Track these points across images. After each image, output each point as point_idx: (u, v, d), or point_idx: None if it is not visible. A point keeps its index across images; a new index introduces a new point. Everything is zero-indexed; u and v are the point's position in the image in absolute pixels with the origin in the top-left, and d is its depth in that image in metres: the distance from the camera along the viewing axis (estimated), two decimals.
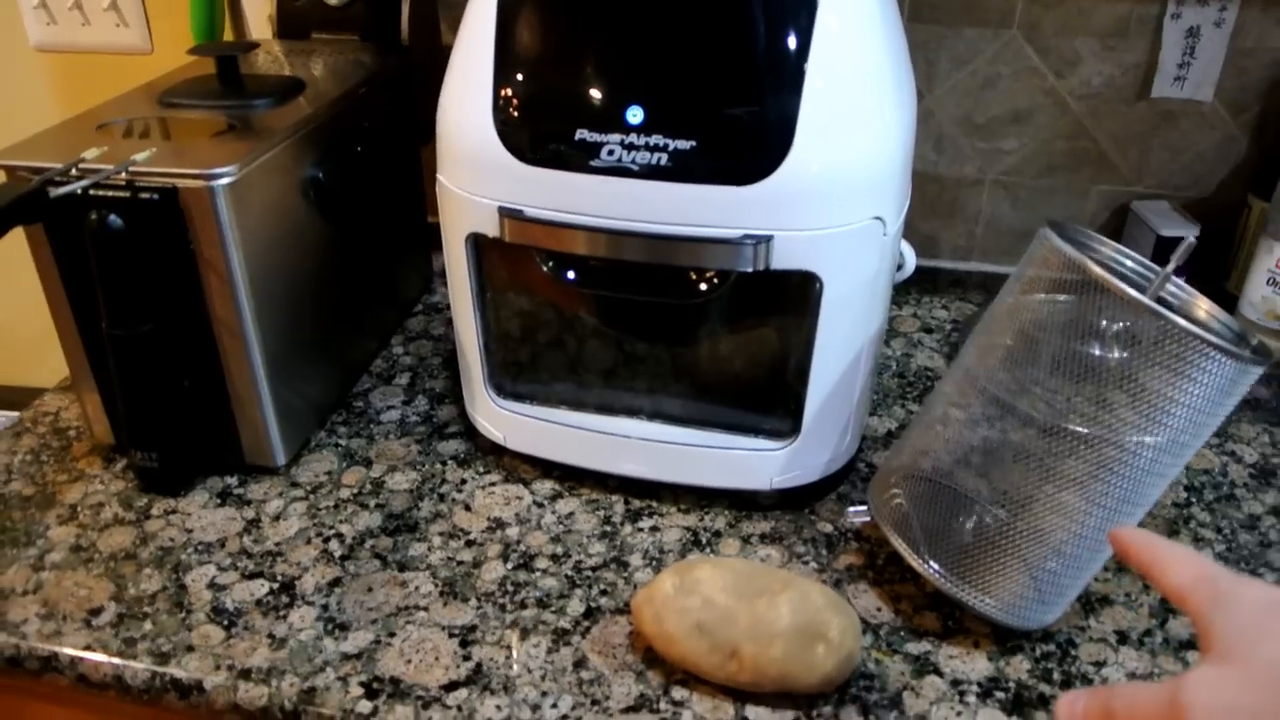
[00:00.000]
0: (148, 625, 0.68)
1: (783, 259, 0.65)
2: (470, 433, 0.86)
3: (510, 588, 0.71)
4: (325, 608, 0.69)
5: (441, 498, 0.79)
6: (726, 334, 0.77)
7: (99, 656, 0.66)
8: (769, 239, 0.64)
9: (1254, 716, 0.38)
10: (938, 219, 1.11)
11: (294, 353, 0.80)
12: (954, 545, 0.68)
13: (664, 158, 0.63)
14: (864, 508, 0.74)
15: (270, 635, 0.67)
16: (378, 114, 0.90)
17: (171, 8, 1.17)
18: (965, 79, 1.03)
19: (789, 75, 0.62)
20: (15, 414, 1.39)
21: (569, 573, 0.72)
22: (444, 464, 0.83)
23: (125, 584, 0.71)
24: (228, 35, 1.13)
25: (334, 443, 0.85)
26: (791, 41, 0.62)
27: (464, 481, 0.81)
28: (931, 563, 0.68)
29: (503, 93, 0.66)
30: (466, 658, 0.65)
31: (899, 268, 0.77)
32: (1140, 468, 0.60)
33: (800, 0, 0.62)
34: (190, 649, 0.66)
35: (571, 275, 0.69)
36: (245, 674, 0.64)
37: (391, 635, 0.67)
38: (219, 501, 0.79)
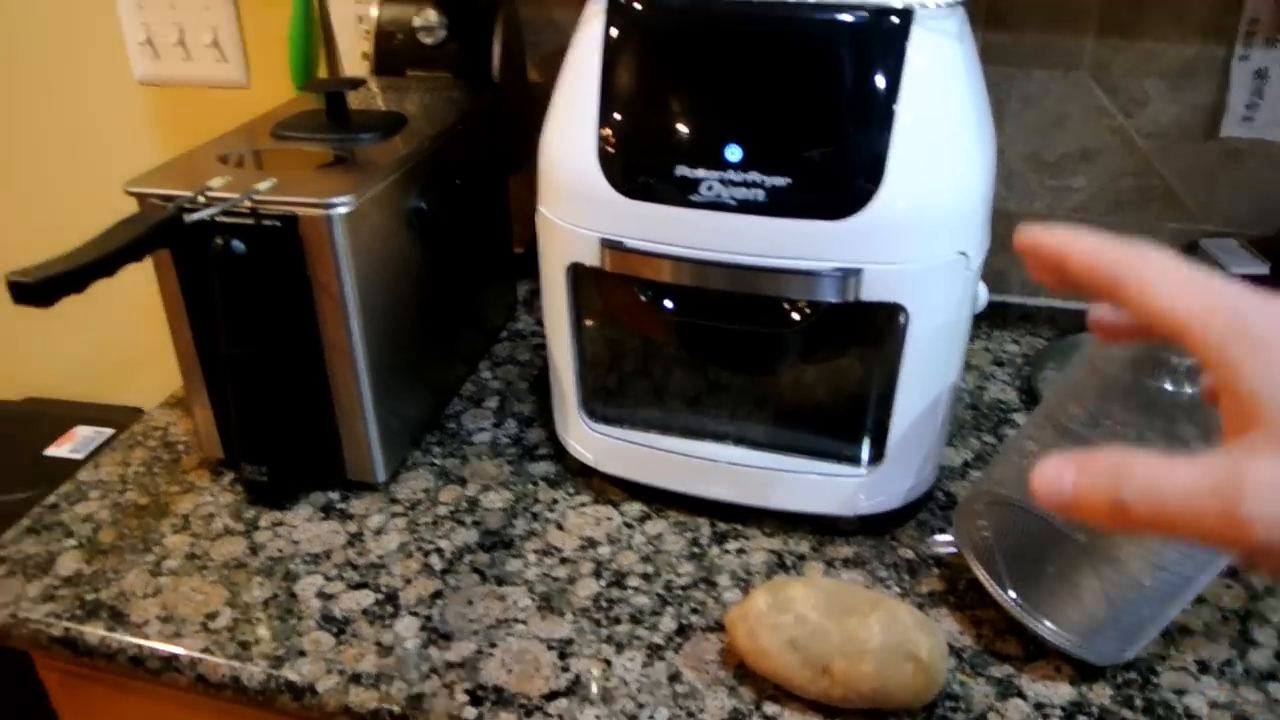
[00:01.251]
0: (261, 630, 0.72)
1: (872, 291, 0.68)
2: (560, 455, 0.89)
3: (604, 604, 0.74)
4: (428, 618, 0.73)
5: (534, 516, 0.82)
6: (812, 361, 0.80)
7: (217, 658, 0.70)
8: (859, 272, 0.67)
9: None
10: (1007, 254, 1.12)
11: (395, 374, 0.84)
12: (1035, 577, 0.70)
13: (760, 193, 0.66)
14: (948, 536, 0.76)
15: (378, 643, 0.71)
16: (472, 148, 0.95)
17: (269, 44, 1.23)
18: (1035, 117, 1.06)
19: (879, 114, 0.65)
20: (109, 430, 1.46)
21: (660, 591, 0.75)
22: (535, 484, 0.86)
23: (238, 591, 0.75)
24: (322, 71, 1.19)
25: (429, 462, 0.89)
26: (882, 82, 0.65)
27: (555, 501, 0.84)
28: (1011, 593, 0.70)
29: (606, 130, 0.70)
30: (565, 669, 0.68)
31: None
32: None
33: (890, 42, 0.66)
34: (302, 653, 0.70)
35: (669, 304, 0.73)
36: (356, 679, 0.68)
37: (493, 646, 0.70)
38: (323, 515, 0.83)
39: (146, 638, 0.71)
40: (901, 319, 0.70)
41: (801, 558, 0.79)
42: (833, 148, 0.66)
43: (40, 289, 0.57)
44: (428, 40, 1.03)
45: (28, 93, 1.37)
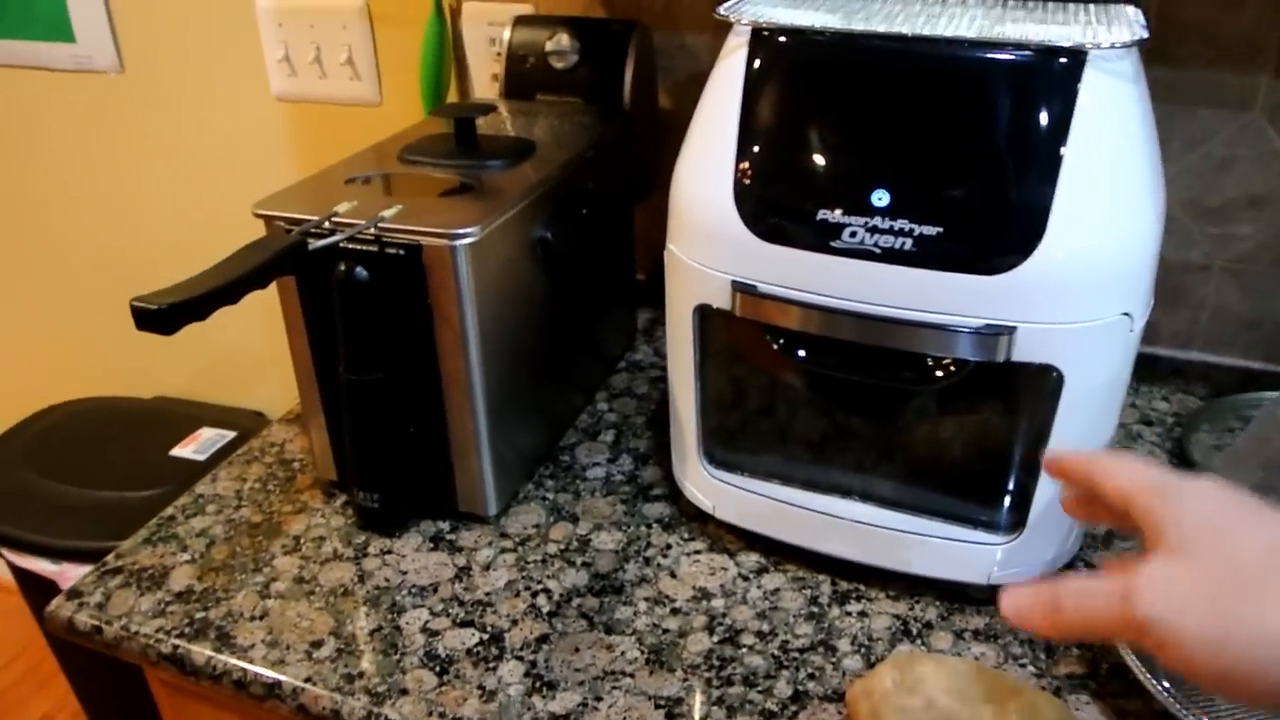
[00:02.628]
0: (364, 664, 0.70)
1: (1024, 352, 0.63)
2: (675, 496, 0.86)
3: (716, 662, 0.70)
4: (533, 664, 0.70)
5: (647, 561, 0.79)
6: (950, 418, 0.75)
7: (320, 690, 0.69)
8: (1012, 330, 0.62)
9: (1212, 613, 0.38)
10: (1158, 304, 1.06)
11: (512, 406, 0.82)
12: None
13: (908, 242, 0.62)
14: None
15: (480, 687, 0.68)
16: (600, 176, 0.92)
17: (401, 64, 1.23)
18: (1198, 160, 0.98)
19: (1045, 162, 0.61)
20: (231, 433, 1.48)
21: (775, 652, 0.71)
22: (649, 527, 0.83)
23: (344, 620, 0.74)
24: (452, 92, 1.18)
25: (541, 495, 0.87)
26: (1049, 127, 0.61)
27: (669, 547, 0.81)
28: (1164, 682, 0.64)
29: (744, 168, 0.66)
30: None
31: None
32: None
33: (1059, 84, 0.61)
34: (404, 692, 0.68)
35: (802, 353, 0.69)
36: None
37: (598, 699, 0.67)
38: (431, 545, 0.81)
39: (252, 662, 0.71)
40: (1055, 380, 0.65)
41: (928, 625, 0.74)
42: (991, 197, 0.61)
43: (163, 316, 0.57)
44: (559, 65, 1.01)
45: (169, 105, 1.41)
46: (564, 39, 1.00)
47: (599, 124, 0.96)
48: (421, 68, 1.13)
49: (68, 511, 1.35)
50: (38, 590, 1.38)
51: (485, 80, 1.18)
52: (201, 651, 0.72)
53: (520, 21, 1.04)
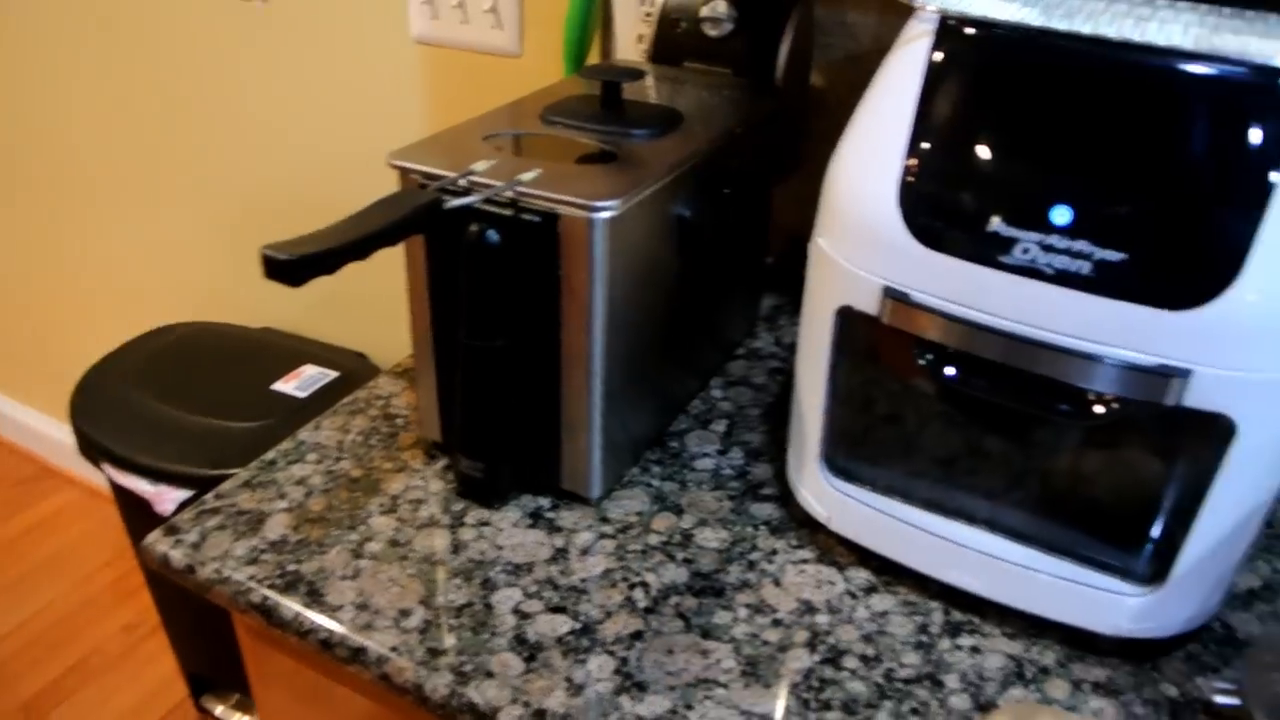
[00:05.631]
0: (452, 639, 0.68)
1: (1197, 398, 0.58)
2: (785, 498, 0.82)
3: (815, 683, 0.67)
4: (624, 661, 0.67)
5: (751, 565, 0.76)
6: (1098, 451, 0.70)
7: (404, 661, 0.67)
8: (1188, 374, 0.57)
9: None
10: None
11: (628, 387, 0.79)
12: None
13: (1086, 266, 0.57)
14: (1230, 685, 0.65)
15: (568, 679, 0.66)
16: (746, 155, 0.88)
17: (546, 16, 1.20)
18: None
19: (1251, 190, 0.55)
20: (333, 373, 1.49)
21: (879, 680, 0.67)
22: (756, 528, 0.79)
23: (435, 590, 0.72)
24: (593, 53, 1.14)
25: (646, 482, 0.84)
26: (1261, 150, 0.54)
27: (775, 552, 0.77)
28: None
29: (913, 166, 0.61)
30: None
31: None
32: None
33: (1275, 105, 0.55)
34: (489, 674, 0.66)
35: (951, 372, 0.64)
36: (540, 714, 0.63)
37: (689, 708, 0.64)
38: (530, 522, 0.79)
39: (340, 623, 0.69)
40: (1225, 430, 0.59)
41: (1044, 671, 0.69)
42: (1185, 224, 0.55)
43: (292, 267, 0.54)
44: (712, 32, 0.97)
45: (309, 38, 1.40)
46: (720, 5, 0.96)
47: (749, 99, 0.91)
48: (567, 22, 1.10)
49: (168, 434, 1.36)
50: (133, 506, 1.40)
51: (630, 41, 1.14)
52: (291, 605, 0.70)
53: None
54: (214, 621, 0.89)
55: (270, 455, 0.85)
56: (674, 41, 0.99)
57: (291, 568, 0.73)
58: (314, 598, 0.71)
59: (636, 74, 0.82)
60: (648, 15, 1.03)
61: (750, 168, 0.89)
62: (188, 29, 1.51)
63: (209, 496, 0.80)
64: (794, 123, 0.99)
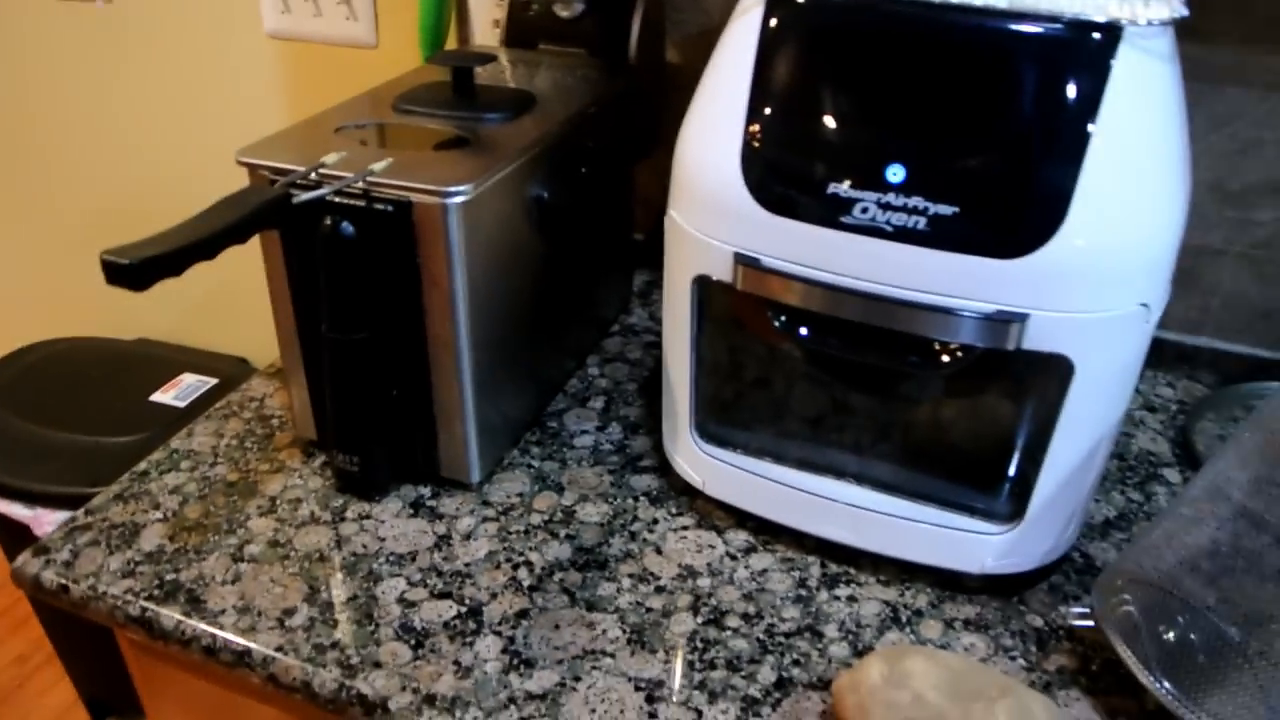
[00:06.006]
0: (338, 634, 0.68)
1: (1035, 340, 0.61)
2: (664, 469, 0.84)
3: (699, 644, 0.68)
4: (511, 640, 0.68)
5: (632, 536, 0.77)
6: (950, 400, 0.73)
7: (291, 660, 0.66)
8: (1024, 318, 0.60)
9: None
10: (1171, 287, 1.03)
11: (499, 370, 0.79)
12: (1188, 664, 0.62)
13: (921, 221, 0.59)
14: (1085, 609, 0.69)
15: (456, 662, 0.66)
16: (602, 134, 0.89)
17: (399, 4, 1.19)
18: (1222, 141, 0.95)
19: (1071, 143, 0.57)
20: (213, 380, 1.45)
21: (761, 636, 0.69)
22: (636, 500, 0.81)
23: (318, 587, 0.72)
24: (451, 38, 1.14)
25: (527, 463, 0.84)
26: (1077, 106, 0.57)
27: (656, 521, 0.79)
28: (1164, 682, 0.62)
29: (753, 135, 0.63)
30: (652, 715, 0.63)
31: None
32: None
33: (1091, 61, 0.57)
34: (378, 665, 0.66)
35: (804, 331, 0.66)
36: (430, 700, 0.64)
37: (577, 679, 0.65)
38: (411, 512, 0.79)
39: (222, 628, 0.68)
40: (1064, 370, 0.62)
41: (918, 614, 0.72)
42: (1011, 177, 0.58)
43: (134, 271, 0.53)
44: (564, 14, 0.97)
45: (157, 38, 1.36)
46: None
47: (603, 78, 0.92)
48: (420, 10, 1.09)
49: (43, 455, 1.32)
50: (11, 534, 1.35)
51: (486, 26, 1.14)
52: (170, 615, 0.69)
53: None
54: (107, 643, 0.87)
55: (142, 466, 0.83)
56: (527, 24, 0.99)
57: (170, 577, 0.72)
58: (194, 605, 0.70)
59: (486, 58, 0.83)
60: (501, 0, 1.03)
61: (607, 146, 0.90)
62: (27, 34, 1.45)
63: (79, 513, 0.78)
64: (650, 101, 1.00)
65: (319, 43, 1.25)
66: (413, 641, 0.68)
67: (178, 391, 1.42)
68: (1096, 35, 0.57)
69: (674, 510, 0.80)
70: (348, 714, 0.66)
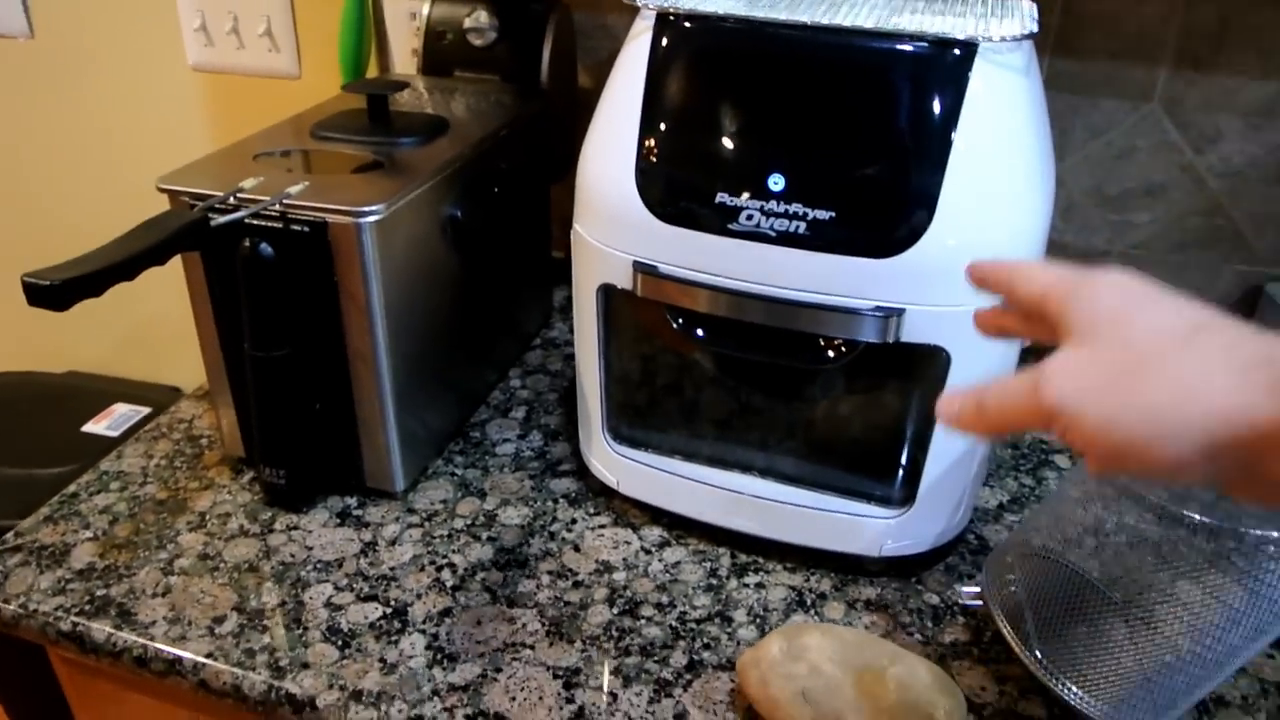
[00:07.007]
0: (266, 639, 0.71)
1: (913, 333, 0.65)
2: (582, 472, 0.87)
3: (615, 633, 0.72)
4: (435, 637, 0.71)
5: (551, 536, 0.81)
6: (846, 397, 0.77)
7: (220, 665, 0.69)
8: (900, 312, 0.64)
9: (1105, 394, 0.40)
10: None
11: (420, 383, 0.82)
12: (1065, 636, 0.67)
13: (801, 226, 0.64)
14: (975, 588, 0.74)
15: (382, 660, 0.69)
16: (515, 155, 0.93)
17: (321, 37, 1.22)
18: (1099, 149, 1.02)
19: (934, 151, 0.63)
20: (145, 409, 1.46)
21: (673, 623, 0.73)
22: (555, 502, 0.84)
23: (247, 595, 0.74)
24: (372, 67, 1.17)
25: (450, 471, 0.88)
26: (939, 117, 0.63)
27: (574, 521, 0.82)
28: (1037, 652, 0.67)
29: (646, 151, 0.67)
30: (570, 700, 0.66)
31: None
32: (1261, 564, 0.58)
33: (951, 75, 0.63)
34: (306, 666, 0.69)
35: (700, 333, 0.70)
36: (357, 695, 0.67)
37: (498, 671, 0.69)
38: (338, 521, 0.82)
39: (152, 639, 0.71)
40: (943, 362, 0.67)
41: (822, 596, 0.76)
42: (881, 183, 0.63)
43: (55, 292, 0.56)
44: (478, 41, 1.01)
45: (81, 73, 1.38)
46: (482, 16, 1.00)
47: (515, 102, 0.96)
48: (341, 41, 1.12)
49: None
50: None
51: (406, 55, 1.18)
52: (101, 629, 0.72)
53: None
54: (41, 670, 0.88)
55: (71, 489, 0.85)
56: (442, 52, 1.03)
57: (100, 593, 0.74)
58: (125, 618, 0.72)
59: (399, 85, 0.86)
60: (419, 29, 1.07)
61: (520, 167, 0.94)
62: None
63: (9, 535, 0.80)
64: (563, 123, 1.04)
65: (242, 74, 1.28)
66: (340, 642, 0.71)
67: (110, 421, 1.43)
68: (956, 52, 0.62)
69: (591, 510, 0.84)
70: (277, 714, 0.68)
